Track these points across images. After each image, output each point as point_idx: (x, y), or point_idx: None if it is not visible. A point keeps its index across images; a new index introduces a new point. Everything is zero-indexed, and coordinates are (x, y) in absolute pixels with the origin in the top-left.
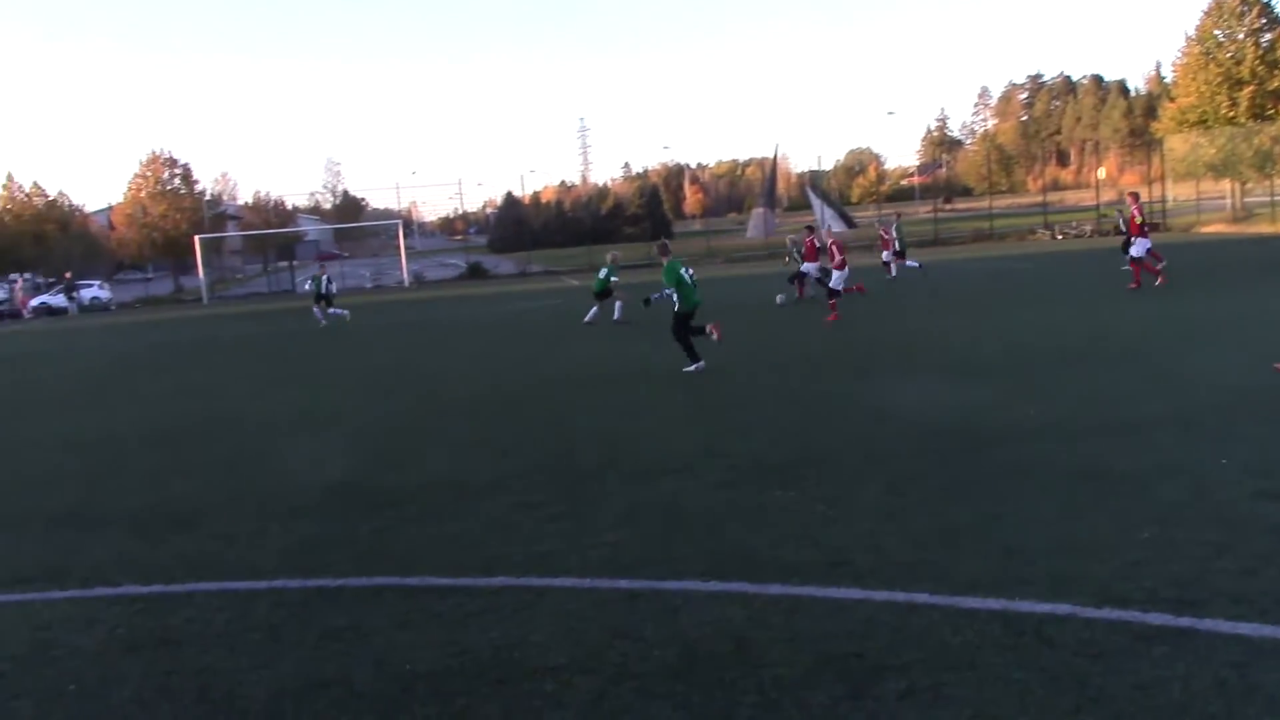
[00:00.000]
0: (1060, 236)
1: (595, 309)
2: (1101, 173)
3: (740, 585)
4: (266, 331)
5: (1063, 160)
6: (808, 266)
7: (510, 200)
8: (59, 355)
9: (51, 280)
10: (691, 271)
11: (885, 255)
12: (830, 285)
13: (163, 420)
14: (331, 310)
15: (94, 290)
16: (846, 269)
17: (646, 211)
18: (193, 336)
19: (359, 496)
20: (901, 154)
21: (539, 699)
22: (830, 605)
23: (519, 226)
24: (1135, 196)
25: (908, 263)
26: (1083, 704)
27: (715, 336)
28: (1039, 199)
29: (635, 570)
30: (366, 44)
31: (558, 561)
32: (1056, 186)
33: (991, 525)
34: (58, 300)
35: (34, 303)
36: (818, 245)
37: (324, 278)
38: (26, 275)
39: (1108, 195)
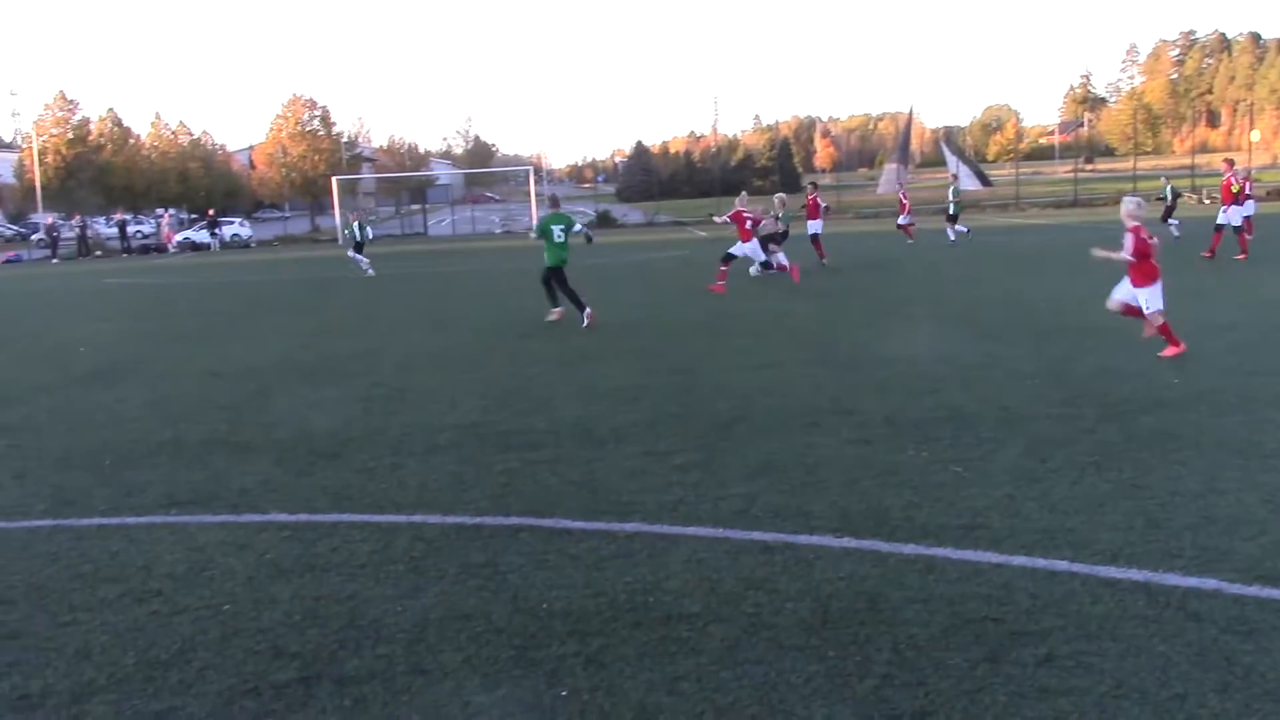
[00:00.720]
0: (1208, 201)
1: (764, 259)
2: (1255, 135)
3: (874, 543)
4: (399, 272)
5: (1213, 121)
6: (814, 226)
7: (640, 149)
8: (201, 289)
9: (194, 216)
10: (577, 228)
11: (902, 218)
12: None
13: (301, 355)
14: (353, 255)
15: (235, 227)
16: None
17: (776, 164)
18: (328, 275)
19: (491, 437)
20: (1042, 111)
21: (674, 644)
22: (966, 568)
23: (647, 176)
24: (1230, 163)
25: (957, 227)
26: (1231, 681)
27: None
28: (1186, 161)
29: (767, 523)
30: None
31: (689, 510)
32: (1205, 149)
33: (1134, 495)
34: (201, 236)
35: (178, 238)
36: (821, 205)
37: (356, 224)
38: (172, 211)
39: (1261, 159)
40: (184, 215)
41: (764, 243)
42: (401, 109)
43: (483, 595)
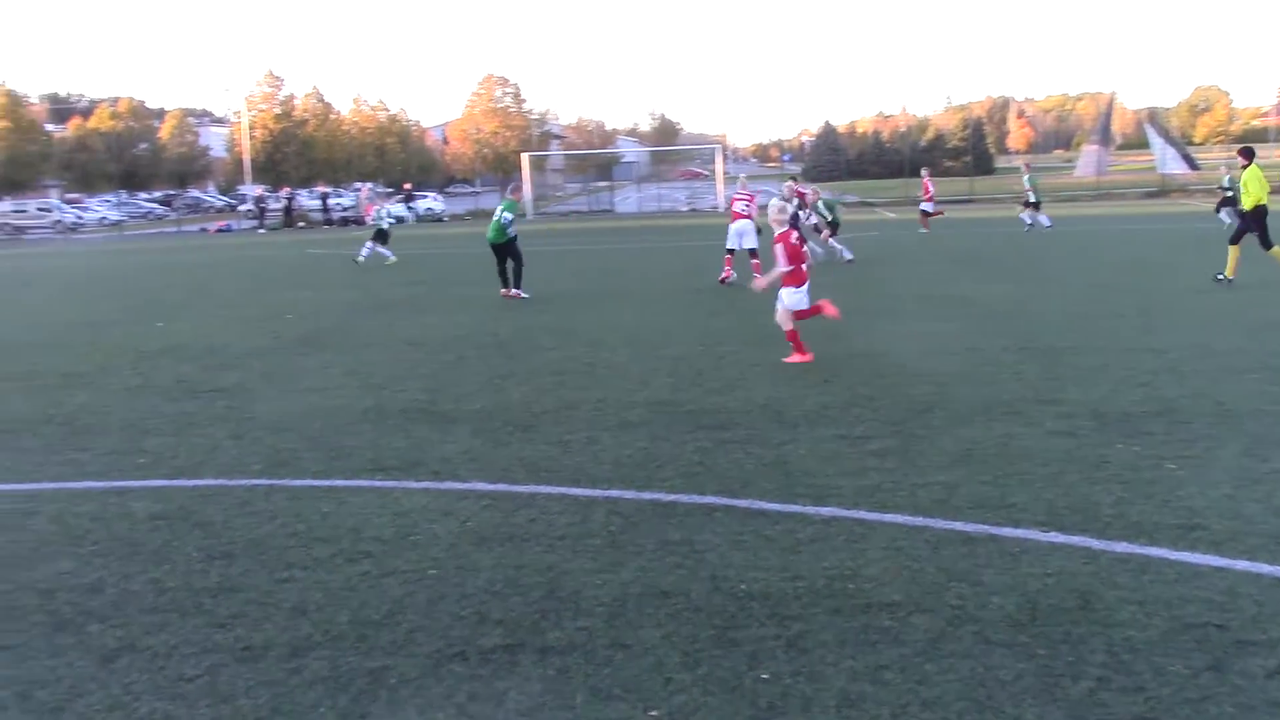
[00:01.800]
0: None
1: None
2: None
3: (1083, 539)
4: (589, 248)
5: None
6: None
7: (827, 129)
8: (399, 261)
9: (390, 190)
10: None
11: (925, 206)
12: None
13: (498, 327)
14: (368, 247)
15: (429, 201)
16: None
17: (969, 144)
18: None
19: (683, 415)
20: (1257, 92)
21: (876, 633)
22: (1184, 570)
23: (835, 155)
24: None
25: (1039, 217)
26: None
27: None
28: None
29: (968, 513)
30: None
31: (887, 497)
32: None
33: None
34: (397, 209)
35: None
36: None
37: (385, 210)
38: (370, 185)
39: None
40: (381, 189)
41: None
42: (590, 87)
43: (680, 573)
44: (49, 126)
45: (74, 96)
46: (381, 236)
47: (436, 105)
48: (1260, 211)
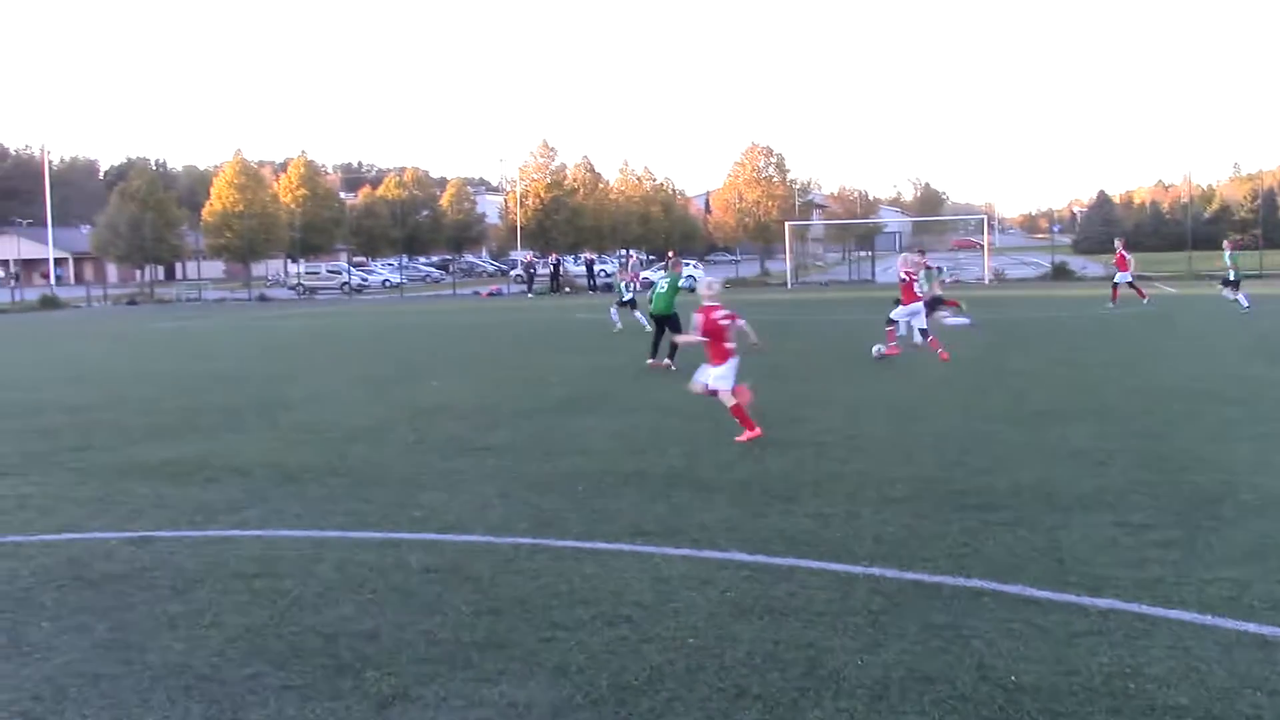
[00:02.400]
0: None
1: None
2: None
3: None
4: (848, 318)
5: None
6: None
7: (1101, 199)
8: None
9: (652, 257)
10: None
11: (1121, 276)
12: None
13: (758, 397)
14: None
15: (689, 269)
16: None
17: (1259, 216)
18: (778, 318)
19: (947, 494)
20: None
21: None
22: None
23: (1108, 227)
24: None
25: (1239, 295)
26: None
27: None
28: None
29: (1264, 615)
30: (947, 47)
31: (1170, 591)
32: None
33: None
34: (659, 276)
35: (643, 277)
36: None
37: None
38: (632, 252)
39: None
40: (644, 256)
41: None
42: (853, 156)
43: (946, 659)
44: (342, 194)
45: (365, 166)
46: (630, 304)
47: (700, 174)
48: None
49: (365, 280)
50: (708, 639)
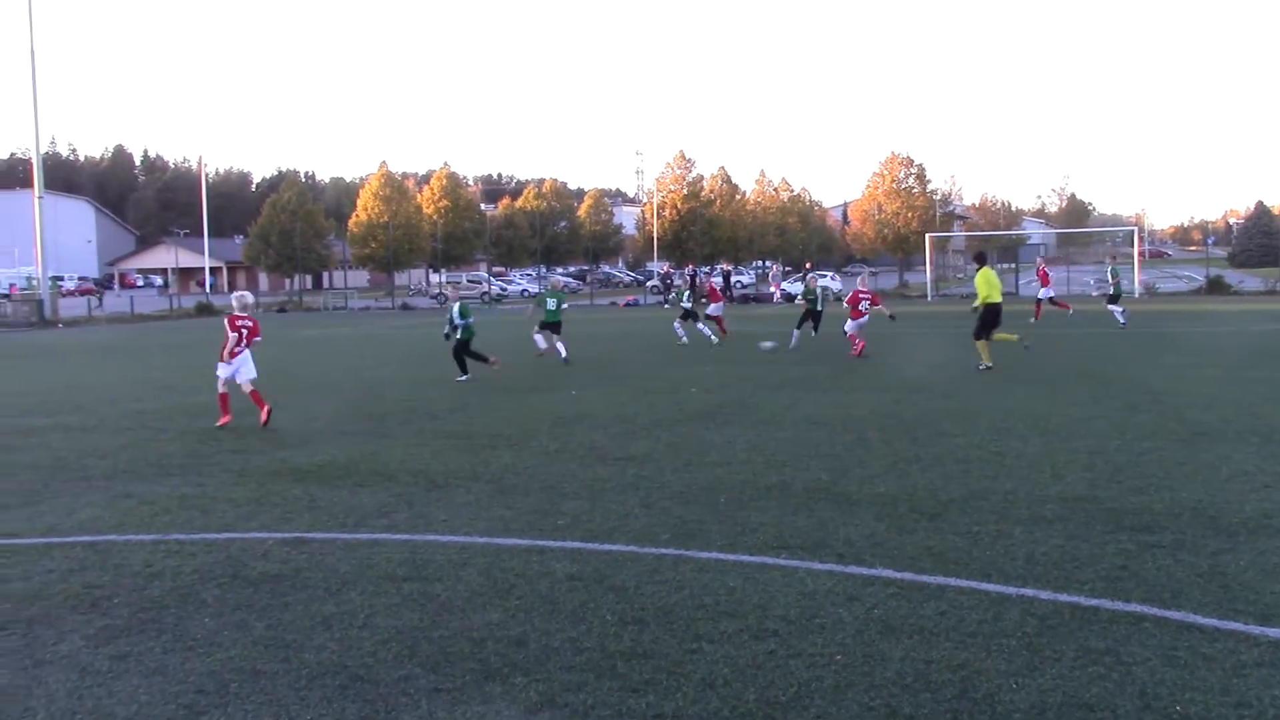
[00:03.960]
0: None
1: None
2: None
3: None
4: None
5: None
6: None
7: (1259, 210)
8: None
9: (789, 269)
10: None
11: (1044, 292)
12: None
13: (901, 409)
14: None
15: (826, 280)
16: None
17: None
18: (918, 330)
19: (1104, 513)
20: None
21: None
22: None
23: (1268, 239)
24: None
25: (1115, 309)
26: None
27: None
28: None
29: None
30: (1093, 50)
31: None
32: None
33: None
34: (797, 288)
35: (783, 287)
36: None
37: (554, 300)
38: (775, 263)
39: None
40: (786, 267)
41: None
42: (996, 166)
43: (1105, 685)
44: (482, 206)
45: (505, 178)
46: (691, 315)
47: (838, 185)
48: None
49: (504, 290)
50: (855, 656)
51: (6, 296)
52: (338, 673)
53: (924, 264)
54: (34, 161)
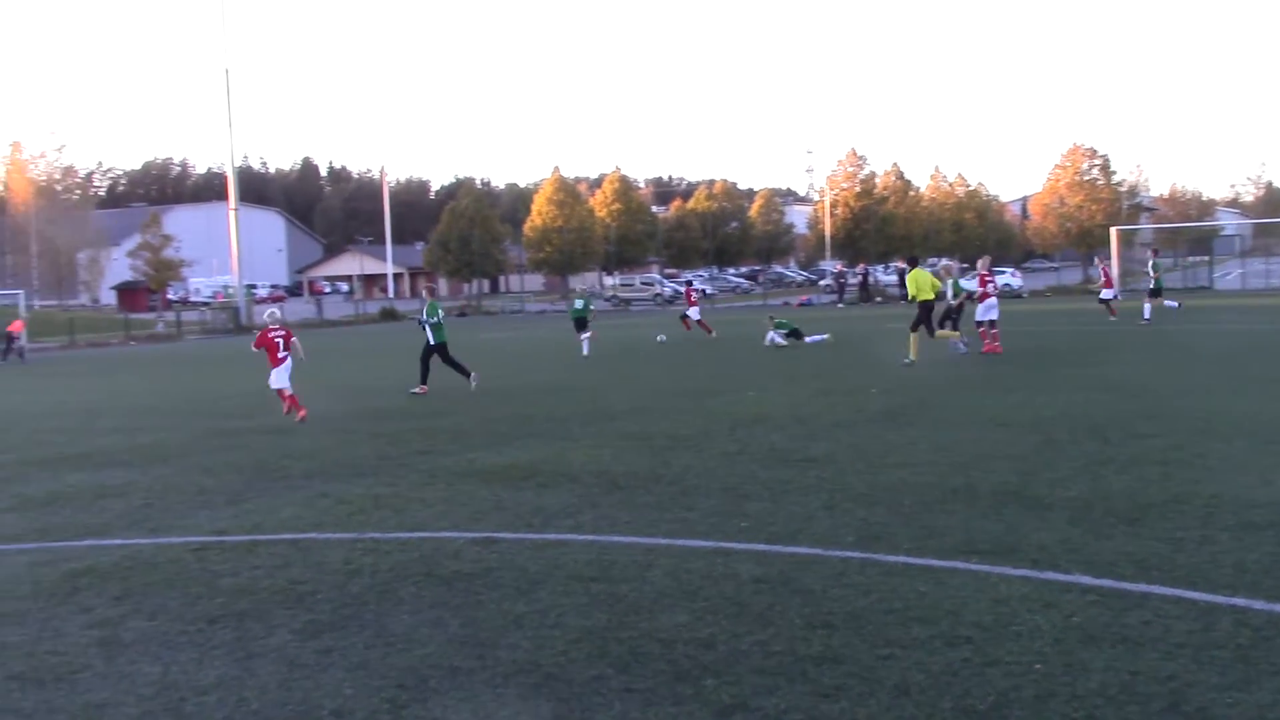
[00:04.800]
0: None
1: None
2: None
3: None
4: (1184, 327)
5: None
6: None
7: None
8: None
9: (964, 266)
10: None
11: (1106, 293)
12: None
13: (1090, 409)
14: (582, 335)
15: (1006, 277)
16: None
17: None
18: (1102, 327)
19: None
20: None
21: None
22: None
23: None
24: None
25: (1166, 302)
26: None
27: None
28: None
29: None
30: None
31: None
32: None
33: None
34: (970, 285)
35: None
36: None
37: (581, 301)
38: (946, 261)
39: None
40: (960, 264)
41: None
42: (1186, 155)
43: None
44: (654, 208)
45: (675, 180)
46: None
47: (1016, 178)
48: None
49: (677, 291)
50: (1055, 666)
51: (207, 304)
52: (531, 671)
53: (1109, 259)
54: (229, 175)
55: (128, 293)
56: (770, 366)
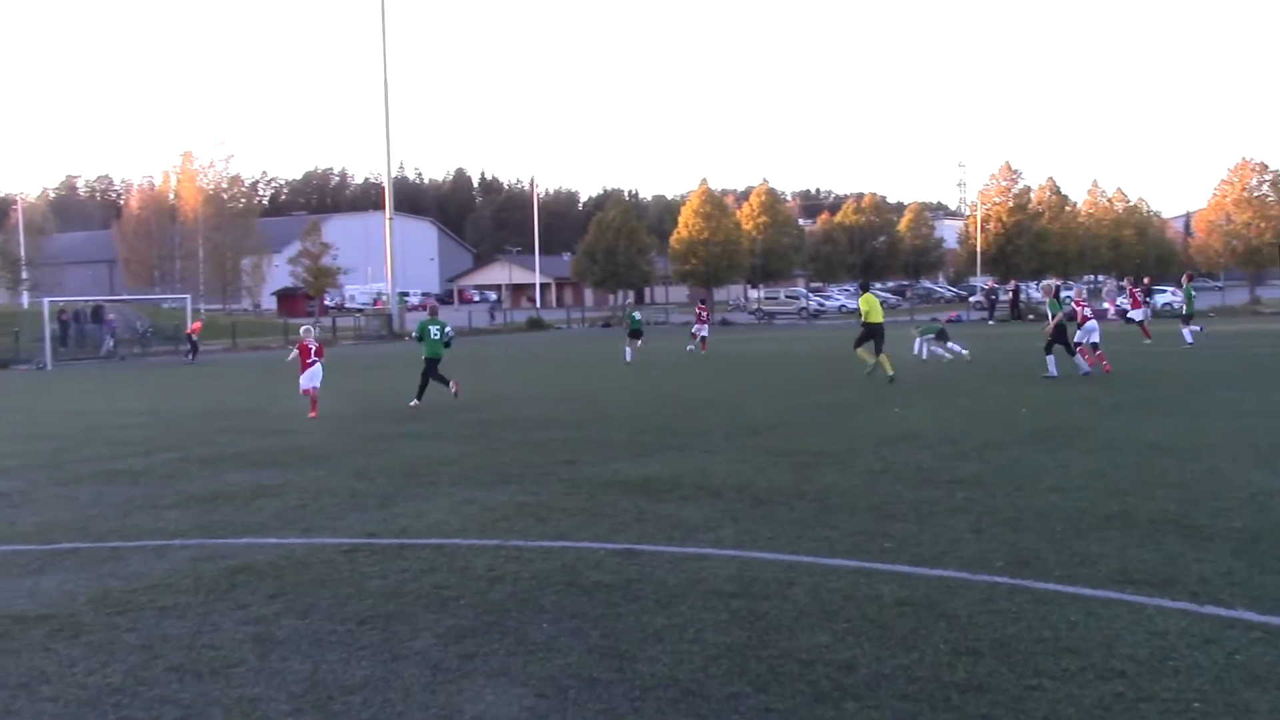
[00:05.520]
0: None
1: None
2: None
3: None
4: None
5: None
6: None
7: None
8: (1141, 355)
9: (1122, 283)
10: (450, 330)
11: (1136, 314)
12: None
13: (1256, 437)
14: (633, 344)
15: (1167, 296)
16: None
17: None
18: (1273, 349)
19: None
20: None
21: None
22: None
23: None
24: None
25: (1189, 329)
26: None
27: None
28: None
29: None
30: None
31: None
32: None
33: None
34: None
35: (1119, 304)
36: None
37: (638, 314)
38: (1109, 278)
39: None
40: (1119, 282)
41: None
42: None
43: None
44: (800, 221)
45: (823, 193)
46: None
47: (1180, 193)
48: None
49: (822, 305)
50: (1215, 705)
51: (361, 310)
52: (669, 685)
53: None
54: (385, 186)
55: (287, 298)
56: (917, 383)
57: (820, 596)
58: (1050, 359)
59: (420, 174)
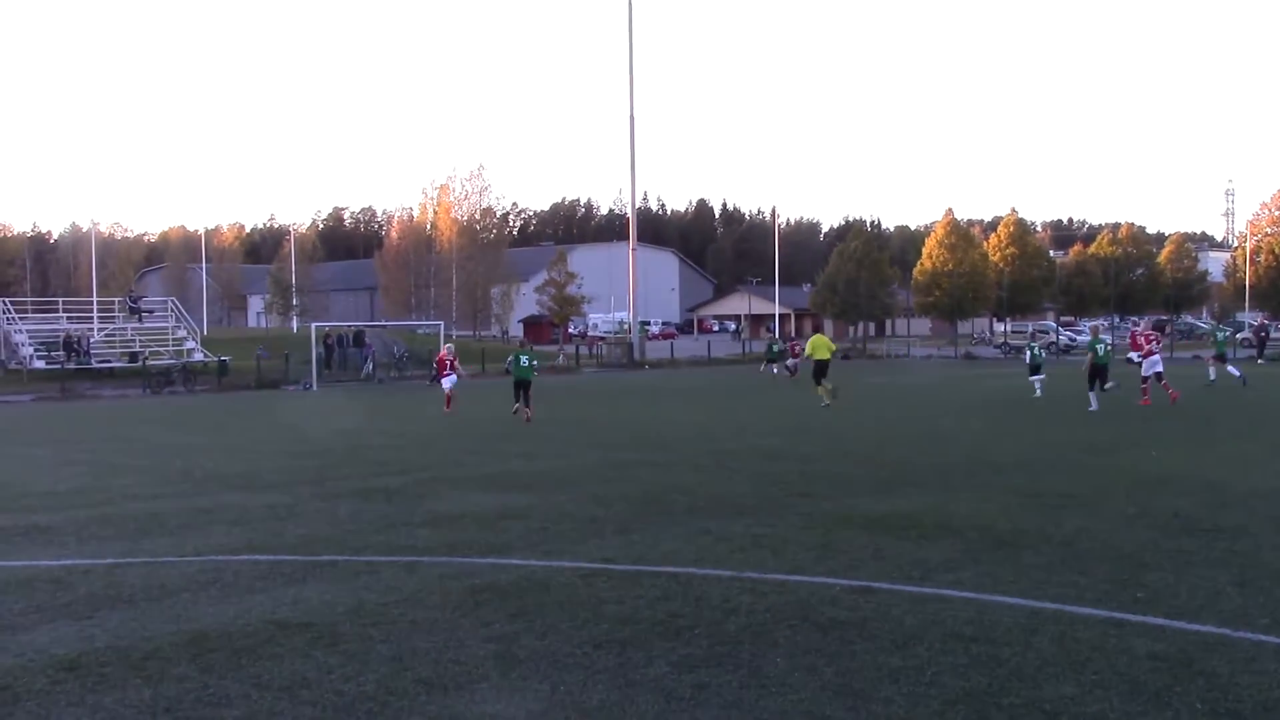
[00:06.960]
0: None
1: None
2: None
3: None
4: None
5: None
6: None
7: None
8: None
9: None
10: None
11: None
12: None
13: None
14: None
15: None
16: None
17: None
18: None
19: None
20: None
21: None
22: None
23: None
24: None
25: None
26: None
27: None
28: None
29: None
30: None
31: None
32: None
33: None
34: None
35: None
36: None
37: (773, 340)
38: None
39: None
40: None
41: None
42: None
43: None
44: (1051, 252)
45: (1076, 223)
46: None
47: None
48: None
49: (1073, 340)
50: None
51: (603, 338)
52: None
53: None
54: (630, 217)
55: (532, 325)
56: (1175, 423)
57: (1066, 645)
58: None
59: (663, 204)
